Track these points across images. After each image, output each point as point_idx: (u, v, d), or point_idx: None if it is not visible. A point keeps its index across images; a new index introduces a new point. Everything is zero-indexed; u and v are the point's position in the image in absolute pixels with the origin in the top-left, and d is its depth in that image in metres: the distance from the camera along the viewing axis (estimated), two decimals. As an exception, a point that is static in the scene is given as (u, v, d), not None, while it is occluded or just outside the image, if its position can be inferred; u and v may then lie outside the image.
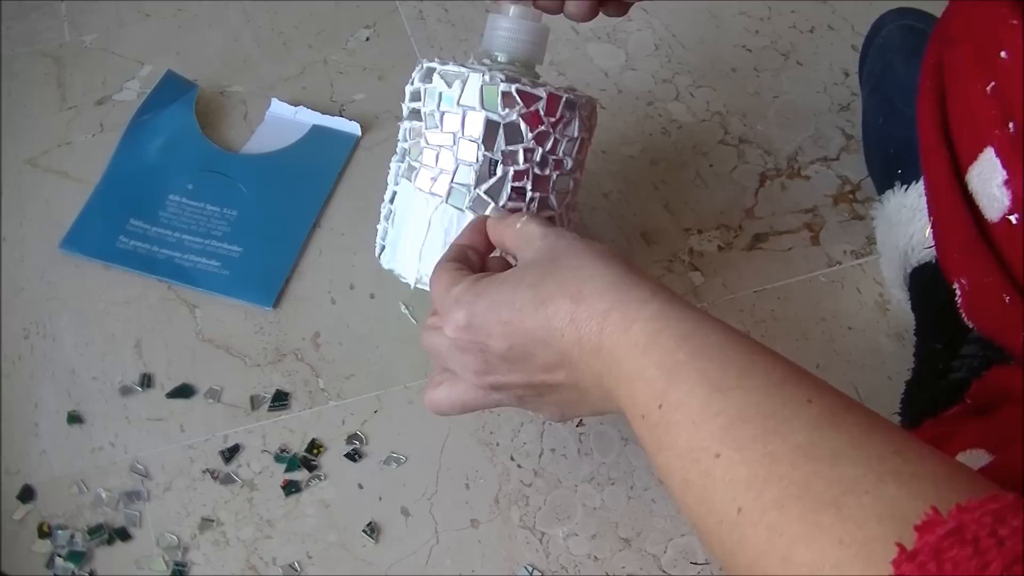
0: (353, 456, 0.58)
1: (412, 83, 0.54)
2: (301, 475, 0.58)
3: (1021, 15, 0.46)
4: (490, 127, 0.52)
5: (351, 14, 0.81)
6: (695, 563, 0.54)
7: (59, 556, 0.55)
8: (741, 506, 0.33)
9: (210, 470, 0.58)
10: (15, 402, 0.61)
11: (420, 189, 0.54)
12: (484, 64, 0.54)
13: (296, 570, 0.55)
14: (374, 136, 0.73)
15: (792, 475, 0.33)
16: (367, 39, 0.79)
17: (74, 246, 0.67)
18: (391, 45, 0.79)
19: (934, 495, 0.30)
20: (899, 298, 0.63)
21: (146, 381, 0.61)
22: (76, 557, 0.55)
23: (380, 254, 0.57)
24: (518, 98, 0.52)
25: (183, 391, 0.61)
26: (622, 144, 0.73)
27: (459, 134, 0.52)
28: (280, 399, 0.60)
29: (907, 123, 0.61)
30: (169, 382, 0.61)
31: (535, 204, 0.54)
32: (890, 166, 0.64)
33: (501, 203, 0.53)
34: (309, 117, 0.73)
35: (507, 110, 0.52)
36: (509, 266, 0.50)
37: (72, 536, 0.56)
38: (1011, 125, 0.47)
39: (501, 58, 0.54)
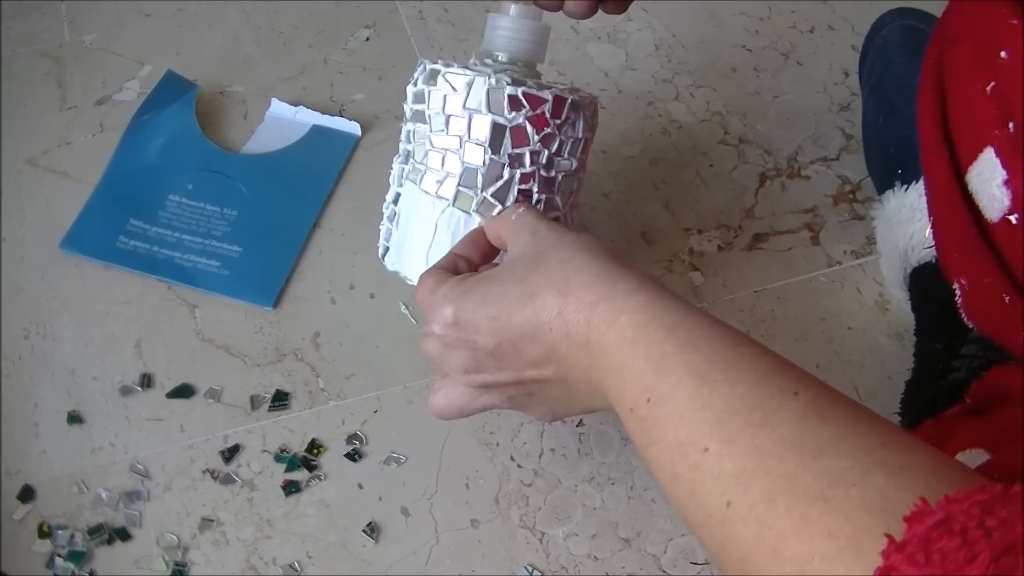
0: (353, 456, 0.58)
1: (415, 84, 0.54)
2: (301, 475, 0.58)
3: (1021, 15, 0.46)
4: (497, 130, 0.52)
5: (351, 14, 0.81)
6: (695, 563, 0.54)
7: (59, 556, 0.55)
8: (730, 500, 0.34)
9: (210, 470, 0.58)
10: (15, 402, 0.61)
11: (426, 192, 0.54)
12: (486, 64, 0.54)
13: (296, 570, 0.55)
14: (374, 136, 0.73)
15: (780, 468, 0.33)
16: (367, 39, 0.79)
17: (74, 246, 0.67)
18: (391, 45, 0.79)
19: (922, 486, 0.30)
20: (899, 298, 0.64)
21: (146, 381, 0.61)
22: (76, 557, 0.55)
23: (384, 255, 0.57)
24: (524, 101, 0.51)
25: (183, 391, 0.61)
26: (622, 144, 0.73)
27: (465, 137, 0.52)
28: (280, 399, 0.60)
29: (907, 123, 0.61)
30: (169, 382, 0.61)
31: (541, 205, 0.54)
32: (890, 166, 0.64)
33: (508, 205, 0.53)
34: (309, 117, 0.73)
35: (513, 113, 0.52)
36: None
37: (72, 536, 0.56)
38: (1011, 125, 0.47)
39: (502, 57, 0.54)
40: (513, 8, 0.54)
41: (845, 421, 0.34)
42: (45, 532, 0.56)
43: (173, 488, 0.57)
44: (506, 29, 0.54)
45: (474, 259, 0.50)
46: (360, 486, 0.57)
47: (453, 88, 0.52)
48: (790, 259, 0.67)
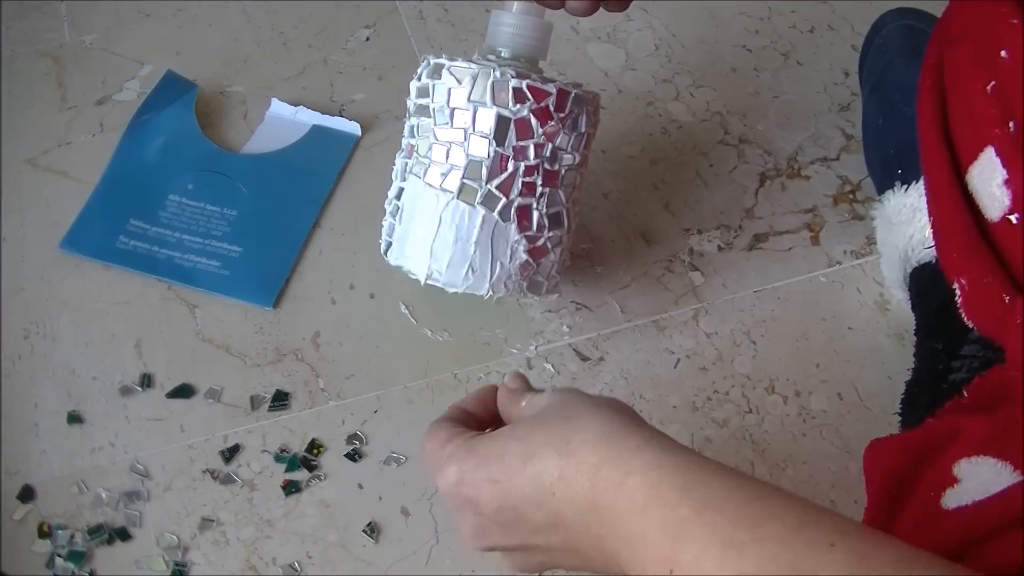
0: (353, 456, 0.58)
1: (419, 79, 0.54)
2: (301, 475, 0.58)
3: (1021, 15, 0.46)
4: (501, 123, 0.52)
5: (351, 14, 0.81)
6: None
7: (59, 556, 0.55)
8: None
9: (210, 470, 0.58)
10: (15, 402, 0.61)
11: (430, 185, 0.54)
12: (488, 59, 0.54)
13: (296, 570, 0.55)
14: (374, 136, 0.73)
15: None
16: (367, 39, 0.79)
17: (74, 246, 0.67)
18: (391, 45, 0.79)
19: None
20: (899, 298, 0.63)
21: (146, 381, 0.61)
22: (76, 557, 0.55)
23: (386, 250, 0.57)
24: (529, 94, 0.52)
25: (183, 391, 0.61)
26: (622, 144, 0.73)
27: (470, 130, 0.52)
28: (280, 399, 0.60)
29: (907, 123, 0.61)
30: (169, 382, 0.61)
31: (544, 199, 0.54)
32: (890, 166, 0.64)
33: (512, 197, 0.53)
34: (309, 117, 0.73)
35: (518, 106, 0.52)
36: None
37: (72, 536, 0.55)
38: (1011, 124, 0.47)
39: (505, 53, 0.55)
40: (516, 5, 0.54)
41: (893, 568, 0.31)
42: (45, 532, 0.56)
43: (173, 488, 0.57)
44: (509, 25, 0.54)
45: (480, 415, 0.47)
46: (360, 486, 0.57)
47: (458, 81, 0.52)
48: (790, 259, 0.67)
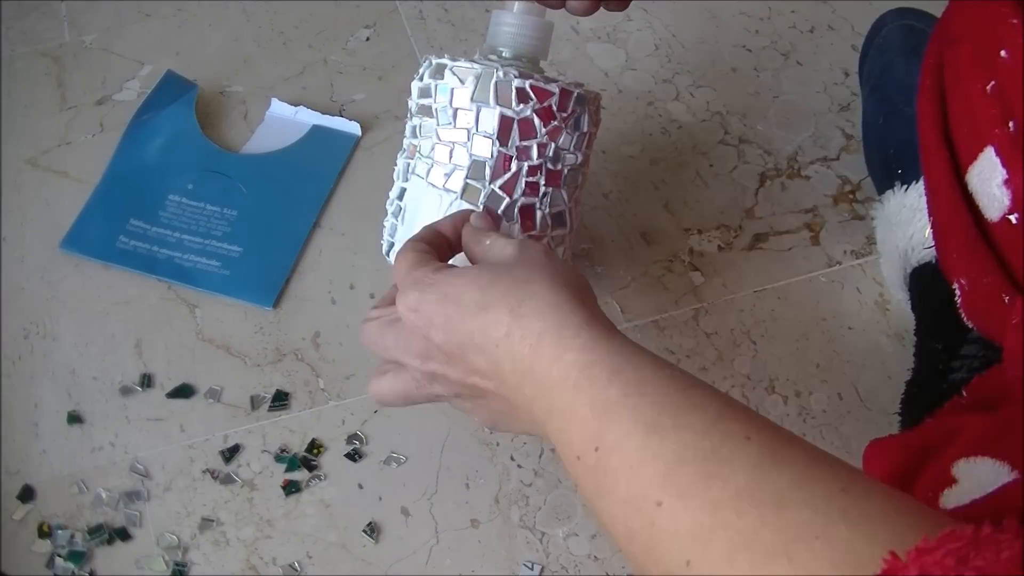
0: (353, 456, 0.58)
1: (421, 79, 0.54)
2: (301, 475, 0.58)
3: (1021, 14, 0.46)
4: (504, 123, 0.52)
5: (351, 14, 0.81)
6: (695, 563, 0.54)
7: (59, 556, 0.55)
8: (689, 559, 0.32)
9: (210, 470, 0.58)
10: (15, 402, 0.61)
11: (433, 185, 0.54)
12: (490, 59, 0.54)
13: (296, 570, 0.55)
14: (374, 136, 0.73)
15: (738, 523, 0.31)
16: (367, 39, 0.79)
17: (74, 246, 0.67)
18: (391, 45, 0.79)
19: (888, 535, 0.29)
20: (899, 298, 0.63)
21: (146, 381, 0.61)
22: (76, 557, 0.55)
23: (388, 251, 0.57)
24: (532, 94, 0.52)
25: (183, 391, 0.61)
26: (622, 144, 0.73)
27: (473, 130, 0.52)
28: (280, 399, 0.60)
29: (907, 123, 0.61)
30: (169, 382, 0.61)
31: (548, 198, 0.54)
32: (890, 166, 0.64)
33: (516, 197, 0.53)
34: (309, 117, 0.73)
35: (521, 106, 0.52)
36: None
37: (72, 536, 0.56)
38: (1011, 124, 0.47)
39: (506, 53, 0.55)
40: (517, 5, 0.54)
41: (801, 467, 0.33)
42: (45, 532, 0.56)
43: (173, 488, 0.57)
44: (510, 25, 0.54)
45: (454, 240, 0.50)
46: (360, 486, 0.57)
47: (461, 81, 0.52)
48: (790, 259, 0.67)
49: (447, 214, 0.53)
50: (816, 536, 0.30)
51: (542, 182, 0.53)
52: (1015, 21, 0.46)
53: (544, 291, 0.42)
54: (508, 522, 0.56)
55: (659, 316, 0.64)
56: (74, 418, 0.60)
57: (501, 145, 0.52)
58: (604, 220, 0.69)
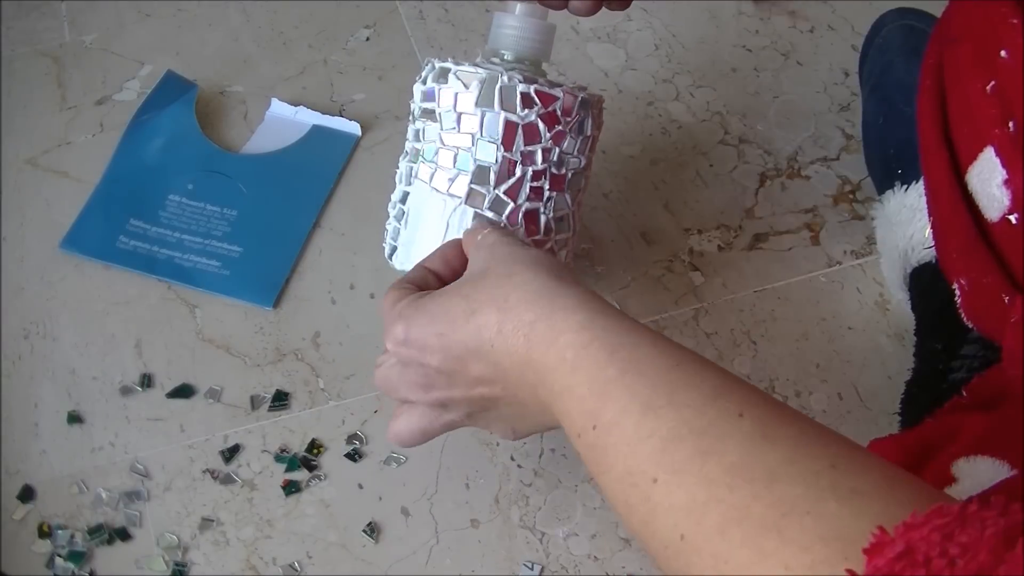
0: (353, 456, 0.58)
1: (424, 83, 0.54)
2: (301, 475, 0.58)
3: (1021, 14, 0.46)
4: (509, 128, 0.52)
5: (351, 14, 0.81)
6: (695, 563, 0.54)
7: (59, 556, 0.55)
8: (683, 533, 0.33)
9: (210, 470, 0.58)
10: (15, 402, 0.61)
11: (437, 190, 0.54)
12: (493, 63, 0.54)
13: (296, 570, 0.55)
14: (374, 136, 0.73)
15: (731, 498, 0.32)
16: (367, 39, 0.79)
17: (74, 246, 0.67)
18: (391, 45, 0.79)
19: (878, 510, 0.29)
20: (899, 298, 0.63)
21: (146, 381, 0.61)
22: (76, 557, 0.55)
23: (391, 255, 0.57)
24: (537, 99, 0.52)
25: (183, 391, 0.61)
26: (622, 144, 0.73)
27: (478, 135, 0.52)
28: (280, 399, 0.60)
29: (907, 123, 0.61)
30: (169, 382, 0.61)
31: (552, 203, 0.54)
32: (890, 166, 0.64)
33: (520, 202, 0.53)
34: (309, 117, 0.73)
35: (526, 111, 0.52)
36: None
37: (72, 536, 0.55)
38: (1011, 124, 0.47)
39: (508, 56, 0.54)
40: (519, 7, 0.54)
41: (793, 442, 0.33)
42: (45, 532, 0.56)
43: (173, 488, 0.57)
44: (512, 28, 0.54)
45: (443, 273, 0.50)
46: (360, 486, 0.57)
47: (465, 86, 0.52)
48: (790, 259, 0.67)
49: (451, 219, 0.53)
50: (807, 511, 0.30)
51: (546, 187, 0.53)
52: (1015, 21, 0.46)
53: (528, 280, 0.42)
54: (508, 522, 0.56)
55: (659, 316, 0.64)
56: (74, 418, 0.60)
57: (506, 150, 0.52)
58: (604, 220, 0.69)
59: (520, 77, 0.52)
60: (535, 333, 0.40)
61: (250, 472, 0.58)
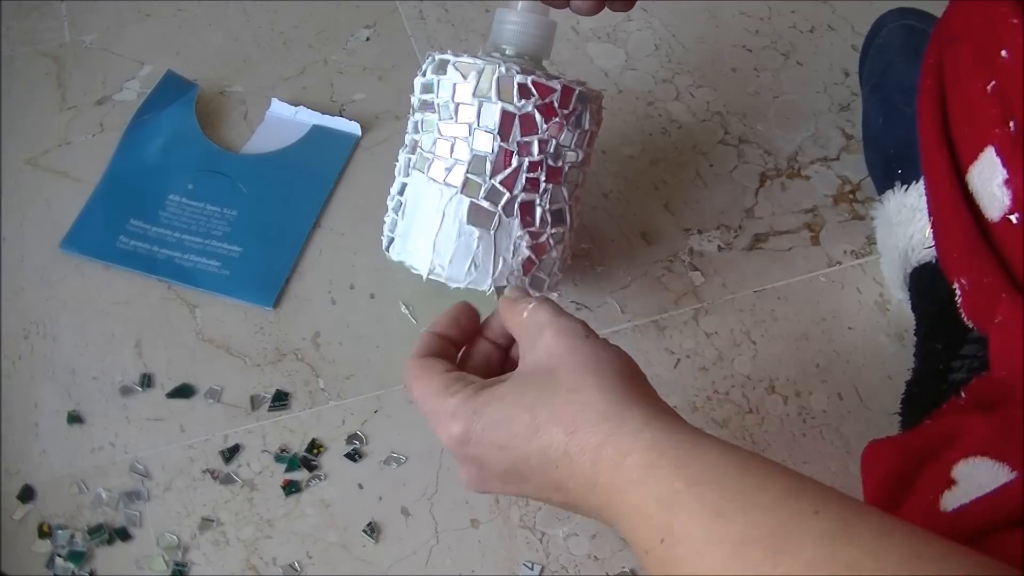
0: (353, 456, 0.58)
1: (424, 74, 0.55)
2: (301, 475, 0.58)
3: (1021, 14, 0.46)
4: (506, 118, 0.52)
5: (351, 14, 0.81)
6: (695, 563, 0.54)
7: (59, 556, 0.55)
8: None
9: (210, 470, 0.58)
10: (15, 402, 0.61)
11: (434, 180, 0.54)
12: (493, 57, 0.54)
13: (296, 570, 0.55)
14: (374, 136, 0.73)
15: None
16: (367, 39, 0.79)
17: (74, 246, 0.67)
18: (391, 45, 0.79)
19: None
20: (899, 298, 0.63)
21: (146, 381, 0.61)
22: (76, 557, 0.55)
23: (388, 246, 0.57)
24: (534, 90, 0.52)
25: (183, 391, 0.61)
26: (622, 144, 0.73)
27: (475, 125, 0.52)
28: (280, 399, 0.60)
29: (907, 123, 0.61)
30: (169, 382, 0.61)
31: (548, 195, 0.54)
32: (890, 166, 0.64)
33: (516, 193, 0.53)
34: (309, 117, 0.73)
35: (523, 101, 0.52)
36: (490, 357, 0.50)
37: (72, 536, 0.56)
38: (1011, 124, 0.47)
39: (509, 51, 0.55)
40: (521, 4, 0.54)
41: (874, 536, 0.32)
42: (45, 532, 0.56)
43: (173, 488, 0.57)
44: (513, 23, 0.54)
45: (457, 338, 0.49)
46: (360, 486, 0.57)
47: (463, 76, 0.52)
48: (790, 259, 0.67)
49: (447, 208, 0.53)
50: None
51: (542, 178, 0.54)
52: (1015, 21, 0.46)
53: (595, 400, 0.41)
54: (508, 522, 0.56)
55: (659, 316, 0.64)
56: (74, 418, 0.60)
57: (502, 140, 0.52)
58: (604, 220, 0.69)
59: (518, 68, 0.52)
60: (601, 457, 0.39)
61: (250, 472, 0.58)
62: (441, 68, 0.54)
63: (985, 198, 0.50)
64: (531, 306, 0.46)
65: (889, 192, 0.63)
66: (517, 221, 0.53)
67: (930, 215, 0.56)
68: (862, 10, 0.77)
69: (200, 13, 0.81)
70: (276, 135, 0.73)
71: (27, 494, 0.57)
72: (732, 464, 0.37)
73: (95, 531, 0.56)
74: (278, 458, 0.58)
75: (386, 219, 0.58)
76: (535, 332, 0.45)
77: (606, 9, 0.53)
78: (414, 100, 0.56)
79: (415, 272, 0.55)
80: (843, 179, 0.70)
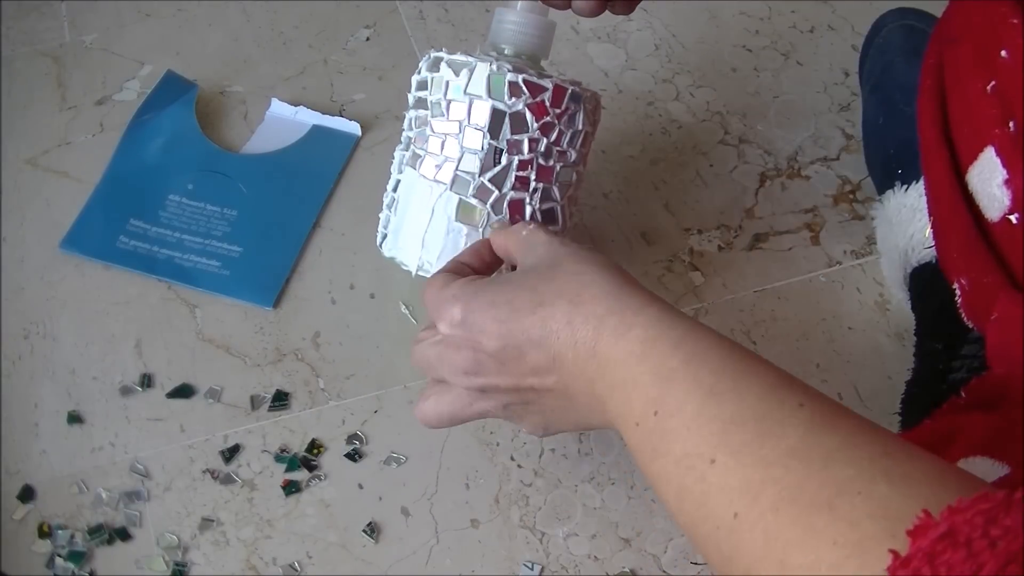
0: (353, 456, 0.58)
1: (419, 72, 0.55)
2: (301, 475, 0.58)
3: (1021, 14, 0.46)
4: (496, 116, 0.52)
5: (351, 14, 0.81)
6: (695, 563, 0.54)
7: (59, 556, 0.55)
8: (737, 511, 0.34)
9: (210, 470, 0.58)
10: (15, 402, 0.61)
11: (424, 177, 0.54)
12: (491, 56, 0.54)
13: (296, 570, 0.55)
14: (374, 136, 0.73)
15: (786, 478, 0.33)
16: (367, 39, 0.79)
17: (74, 246, 0.67)
18: (391, 45, 0.79)
19: (926, 494, 0.30)
20: (899, 298, 0.63)
21: (146, 381, 0.61)
22: (76, 557, 0.55)
23: (381, 242, 0.57)
24: (525, 88, 0.52)
25: (183, 391, 0.61)
26: (622, 144, 0.73)
27: (465, 122, 0.52)
28: (280, 399, 0.60)
29: (907, 123, 0.61)
30: (169, 382, 0.61)
31: (538, 194, 0.54)
32: (890, 166, 0.64)
33: (505, 191, 0.53)
34: (309, 117, 0.73)
35: (513, 99, 0.52)
36: None
37: (72, 536, 0.56)
38: (1011, 124, 0.47)
39: (508, 51, 0.55)
40: (520, 4, 0.55)
41: (850, 432, 0.34)
42: (45, 532, 0.56)
43: (173, 488, 0.57)
44: (512, 23, 0.55)
45: (478, 268, 0.51)
46: (360, 486, 0.57)
47: (455, 74, 0.52)
48: (790, 259, 0.67)
49: (436, 205, 0.53)
50: (858, 491, 0.31)
51: (532, 177, 0.54)
52: (1015, 21, 0.46)
53: (599, 279, 0.43)
54: (508, 522, 0.56)
55: (659, 316, 0.64)
56: (74, 418, 0.60)
57: (492, 138, 0.52)
58: (604, 220, 0.69)
59: (509, 66, 0.52)
60: (605, 326, 0.41)
61: (250, 472, 0.58)
62: (435, 65, 0.54)
63: (985, 198, 0.50)
64: (530, 227, 0.49)
65: (889, 192, 0.63)
66: (506, 220, 0.54)
67: (930, 215, 0.56)
68: (862, 10, 0.77)
69: (200, 13, 0.81)
70: (276, 135, 0.73)
71: (27, 494, 0.57)
72: (727, 350, 0.39)
73: (95, 531, 0.56)
74: (278, 458, 0.58)
75: (381, 215, 0.58)
76: (535, 240, 0.47)
77: (610, 12, 0.53)
78: (410, 97, 0.56)
79: (405, 268, 0.56)
80: (843, 179, 0.70)
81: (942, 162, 0.52)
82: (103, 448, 0.59)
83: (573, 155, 0.55)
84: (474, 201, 0.53)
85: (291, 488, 0.57)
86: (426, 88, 0.54)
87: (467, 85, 0.52)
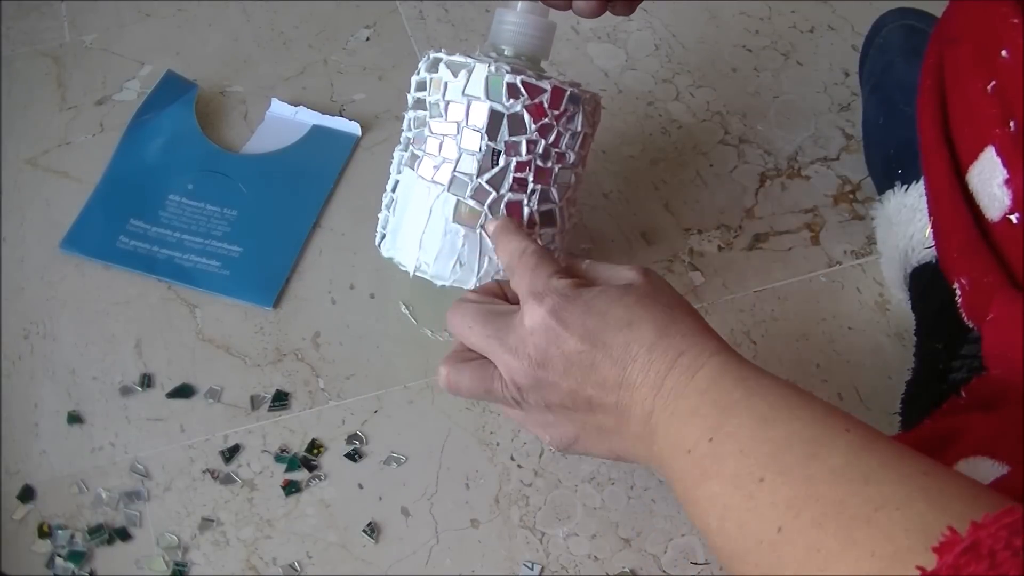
0: (353, 456, 0.58)
1: (418, 73, 0.55)
2: (301, 475, 0.58)
3: (1021, 14, 0.46)
4: (494, 117, 0.52)
5: (351, 14, 0.81)
6: (695, 563, 0.54)
7: (59, 556, 0.55)
8: (781, 526, 0.36)
9: (210, 470, 0.58)
10: (15, 402, 0.61)
11: (422, 177, 0.54)
12: (490, 56, 0.54)
13: (296, 570, 0.55)
14: (374, 136, 0.73)
15: (830, 495, 0.35)
16: (367, 39, 0.79)
17: (74, 246, 0.67)
18: (391, 45, 0.79)
19: (959, 511, 0.32)
20: (899, 298, 0.63)
21: (146, 381, 0.61)
22: (76, 557, 0.55)
23: (380, 242, 0.57)
24: (523, 89, 0.52)
25: (183, 391, 0.61)
26: (622, 144, 0.73)
27: (463, 123, 0.52)
28: (280, 399, 0.60)
29: (907, 123, 0.61)
30: (169, 382, 0.61)
31: (536, 196, 0.54)
32: (890, 166, 0.64)
33: (502, 192, 0.53)
34: (309, 117, 0.73)
35: (511, 101, 0.52)
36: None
37: (72, 536, 0.55)
38: (1012, 124, 0.47)
39: (507, 52, 0.55)
40: (521, 4, 0.54)
41: (891, 454, 0.36)
42: (45, 532, 0.56)
43: (173, 488, 0.57)
44: (512, 24, 0.54)
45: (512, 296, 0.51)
46: (360, 486, 0.57)
47: (453, 75, 0.52)
48: (790, 259, 0.67)
49: (434, 206, 0.53)
50: (897, 507, 0.33)
51: (531, 179, 0.53)
52: (1015, 21, 0.46)
53: (688, 319, 0.45)
54: (508, 522, 0.56)
55: (659, 316, 0.64)
56: (74, 418, 0.60)
57: (490, 139, 0.52)
58: (604, 220, 0.69)
59: (508, 67, 0.52)
60: (679, 362, 0.43)
61: (250, 472, 0.58)
62: (434, 66, 0.54)
63: (985, 198, 0.50)
64: (587, 262, 0.49)
65: (889, 192, 0.63)
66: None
67: (930, 215, 0.56)
68: (862, 10, 0.77)
69: (200, 13, 0.81)
70: (276, 135, 0.73)
71: (27, 494, 0.57)
72: (784, 387, 0.42)
73: (95, 531, 0.56)
74: (278, 458, 0.58)
75: (380, 216, 0.58)
76: (608, 272, 0.48)
77: (611, 12, 0.53)
78: (409, 98, 0.56)
79: (403, 269, 0.56)
80: (843, 179, 0.70)
81: (942, 162, 0.52)
82: (103, 448, 0.59)
83: (572, 157, 0.55)
84: (472, 202, 0.53)
85: (291, 488, 0.57)
86: (425, 89, 0.54)
87: (465, 86, 0.52)
